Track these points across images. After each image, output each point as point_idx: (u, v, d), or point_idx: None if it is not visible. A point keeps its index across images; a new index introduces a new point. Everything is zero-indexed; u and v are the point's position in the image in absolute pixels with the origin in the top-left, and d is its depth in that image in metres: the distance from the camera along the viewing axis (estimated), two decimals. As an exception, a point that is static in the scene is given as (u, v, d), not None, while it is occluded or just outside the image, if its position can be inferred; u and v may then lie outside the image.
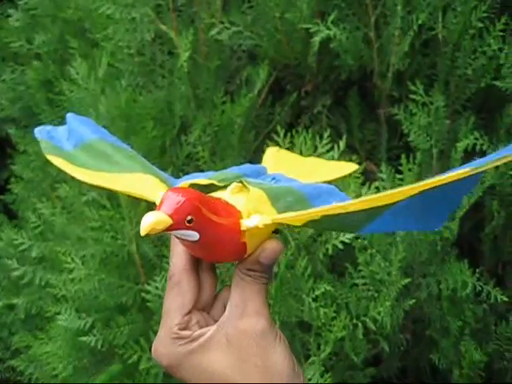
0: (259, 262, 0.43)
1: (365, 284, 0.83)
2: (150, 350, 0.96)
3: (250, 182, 0.46)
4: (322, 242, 0.86)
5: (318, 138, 0.89)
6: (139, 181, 0.48)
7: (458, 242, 0.91)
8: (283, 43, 0.93)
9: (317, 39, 0.88)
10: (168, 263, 0.93)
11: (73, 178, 1.00)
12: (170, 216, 0.39)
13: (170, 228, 0.39)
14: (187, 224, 0.40)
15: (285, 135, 0.88)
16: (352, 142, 0.98)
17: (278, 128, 0.89)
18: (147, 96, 0.98)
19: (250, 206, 0.44)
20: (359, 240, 0.84)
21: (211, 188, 0.48)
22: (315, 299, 0.82)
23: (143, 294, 0.93)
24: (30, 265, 1.15)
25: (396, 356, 0.93)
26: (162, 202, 0.40)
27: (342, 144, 0.88)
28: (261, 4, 0.91)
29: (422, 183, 0.38)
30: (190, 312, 0.44)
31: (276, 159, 0.57)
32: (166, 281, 0.91)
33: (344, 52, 0.90)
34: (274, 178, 0.49)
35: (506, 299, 0.84)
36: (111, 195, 0.97)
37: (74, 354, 1.02)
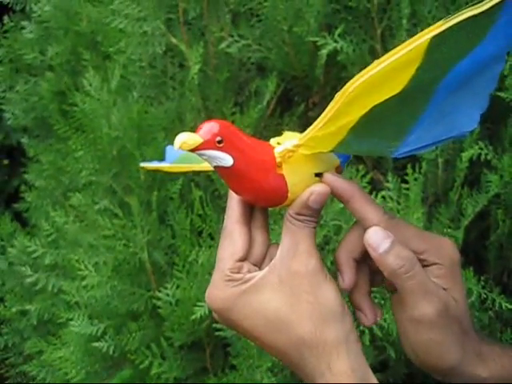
0: (308, 206, 0.45)
1: (372, 291, 0.85)
2: (161, 355, 0.98)
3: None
4: (329, 251, 0.87)
5: (325, 148, 0.90)
6: None
7: (463, 250, 0.92)
8: (291, 56, 0.96)
9: (324, 52, 0.90)
10: (179, 271, 0.95)
11: (88, 185, 1.02)
12: (201, 136, 0.42)
13: (201, 146, 0.42)
14: (218, 145, 0.42)
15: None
16: (359, 152, 1.00)
17: (287, 138, 0.91)
18: (158, 107, 1.00)
19: (283, 140, 0.46)
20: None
21: None
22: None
23: (154, 301, 0.95)
24: (43, 272, 1.17)
25: (403, 362, 0.94)
26: (198, 129, 0.43)
27: (348, 154, 0.89)
28: (269, 18, 0.93)
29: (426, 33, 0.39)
30: (241, 260, 0.46)
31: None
32: (176, 288, 0.93)
33: (351, 64, 0.92)
34: None
35: (510, 307, 0.85)
36: (123, 204, 0.99)
37: (86, 360, 1.04)
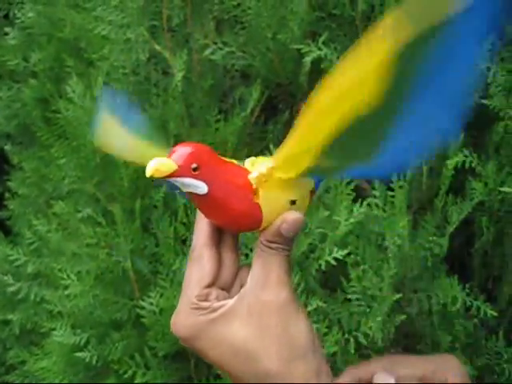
0: (280, 234, 0.43)
1: (357, 299, 0.85)
2: (145, 365, 0.97)
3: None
4: (314, 259, 0.87)
5: (309, 155, 0.90)
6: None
7: (448, 257, 0.92)
8: (275, 63, 0.95)
9: (308, 59, 0.90)
10: (162, 279, 0.94)
11: (71, 193, 1.01)
12: (175, 161, 0.40)
13: (175, 173, 0.40)
14: (193, 172, 0.40)
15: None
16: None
17: (271, 146, 0.90)
18: (142, 114, 0.99)
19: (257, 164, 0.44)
20: (352, 256, 0.85)
21: None
22: (308, 315, 0.84)
23: (138, 310, 0.94)
24: (26, 281, 1.16)
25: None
26: (171, 153, 0.40)
27: (333, 162, 0.89)
28: (253, 25, 0.93)
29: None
30: (209, 286, 0.44)
31: None
32: (160, 297, 0.93)
33: (335, 71, 0.92)
34: None
35: (495, 314, 0.86)
36: (106, 212, 0.99)
37: (69, 370, 1.03)
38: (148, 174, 0.39)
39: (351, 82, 0.38)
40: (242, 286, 0.45)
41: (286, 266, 0.44)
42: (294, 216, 0.43)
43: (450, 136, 0.43)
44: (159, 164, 0.39)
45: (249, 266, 0.46)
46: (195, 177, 0.40)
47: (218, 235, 0.46)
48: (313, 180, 0.46)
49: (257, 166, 0.44)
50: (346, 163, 0.42)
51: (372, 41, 0.37)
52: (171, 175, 0.40)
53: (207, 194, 0.41)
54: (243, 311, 0.43)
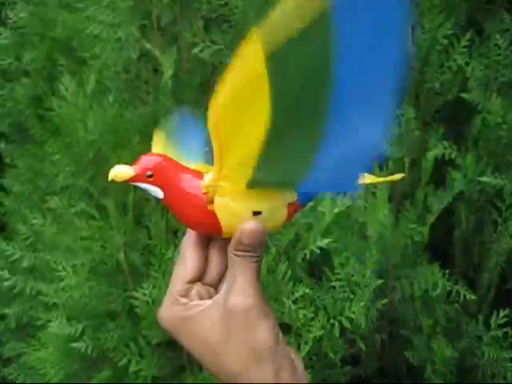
0: (242, 243, 0.45)
1: (341, 286, 0.88)
2: (139, 354, 1.00)
3: None
4: (300, 248, 0.90)
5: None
6: None
7: (431, 246, 0.96)
8: (262, 60, 0.98)
9: (293, 56, 0.93)
10: (155, 271, 0.97)
11: (65, 188, 1.03)
12: (134, 169, 0.45)
13: (132, 179, 0.45)
14: (148, 178, 0.45)
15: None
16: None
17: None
18: (133, 111, 1.02)
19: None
20: (335, 244, 0.88)
21: None
22: (295, 302, 0.87)
23: (131, 301, 0.97)
24: (21, 275, 1.18)
25: (374, 356, 0.97)
26: (136, 162, 0.45)
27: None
28: (240, 24, 0.96)
29: None
30: (191, 282, 0.47)
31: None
32: (153, 288, 0.96)
33: (319, 68, 0.95)
34: None
35: (474, 297, 0.89)
36: (100, 206, 1.01)
37: (64, 360, 1.05)
38: (109, 178, 0.44)
39: (232, 92, 0.38)
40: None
41: (253, 274, 0.45)
42: (250, 226, 0.44)
43: (381, 145, 0.39)
44: (118, 171, 0.44)
45: None
46: (149, 182, 0.45)
47: (206, 237, 0.48)
48: (294, 193, 0.46)
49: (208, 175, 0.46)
50: (283, 177, 0.43)
51: (244, 49, 0.36)
52: (128, 180, 0.45)
53: (163, 198, 0.46)
54: (215, 316, 0.46)
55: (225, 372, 0.46)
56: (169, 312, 0.47)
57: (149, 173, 0.45)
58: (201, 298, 0.47)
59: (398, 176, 0.52)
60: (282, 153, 0.40)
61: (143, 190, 0.46)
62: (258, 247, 0.45)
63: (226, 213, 0.45)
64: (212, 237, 0.48)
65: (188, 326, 0.46)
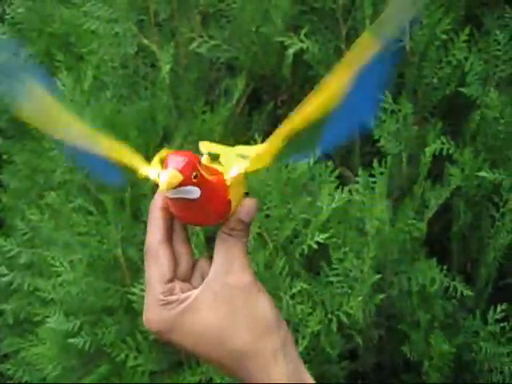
0: (241, 220, 0.47)
1: (339, 281, 0.88)
2: (137, 348, 1.00)
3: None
4: (298, 243, 0.90)
5: (293, 144, 0.93)
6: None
7: (428, 241, 0.96)
8: (259, 55, 0.98)
9: (291, 51, 0.93)
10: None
11: (63, 184, 1.03)
12: (180, 172, 0.41)
13: (181, 184, 0.41)
14: (193, 180, 0.42)
15: (262, 142, 0.93)
16: (326, 148, 1.03)
17: (256, 136, 0.93)
18: (131, 106, 1.02)
19: (225, 162, 0.48)
20: (333, 239, 0.88)
21: None
22: (292, 297, 0.87)
23: (129, 296, 0.97)
24: (19, 271, 1.18)
25: (372, 351, 0.97)
26: (166, 164, 0.42)
27: (316, 150, 0.92)
28: (237, 19, 0.96)
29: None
30: (170, 281, 0.47)
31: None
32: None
33: (317, 63, 0.95)
34: None
35: (471, 293, 0.89)
36: (97, 202, 1.01)
37: (62, 356, 1.05)
38: (166, 187, 0.41)
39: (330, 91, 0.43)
40: (203, 276, 0.48)
41: (245, 252, 0.48)
42: (249, 202, 0.48)
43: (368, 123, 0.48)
44: (171, 177, 0.41)
45: (207, 257, 0.49)
46: (194, 184, 0.42)
47: (170, 228, 0.49)
48: None
49: (229, 166, 0.47)
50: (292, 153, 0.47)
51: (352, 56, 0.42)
52: (179, 185, 0.42)
53: (197, 198, 0.43)
54: (209, 298, 0.46)
55: (231, 351, 0.46)
56: (161, 314, 0.47)
57: (194, 173, 0.42)
58: (184, 293, 0.47)
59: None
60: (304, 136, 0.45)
61: (177, 193, 0.42)
62: (249, 226, 0.48)
63: (235, 199, 0.46)
64: (174, 231, 0.48)
65: (185, 319, 0.46)
